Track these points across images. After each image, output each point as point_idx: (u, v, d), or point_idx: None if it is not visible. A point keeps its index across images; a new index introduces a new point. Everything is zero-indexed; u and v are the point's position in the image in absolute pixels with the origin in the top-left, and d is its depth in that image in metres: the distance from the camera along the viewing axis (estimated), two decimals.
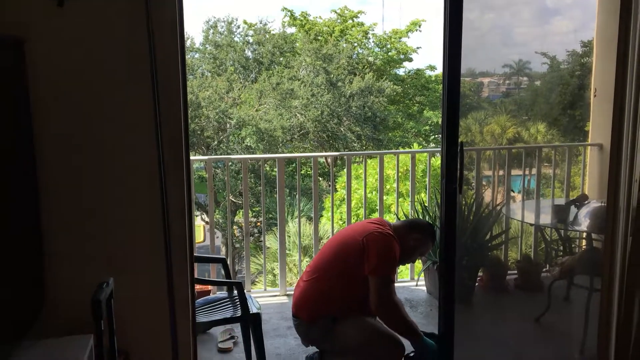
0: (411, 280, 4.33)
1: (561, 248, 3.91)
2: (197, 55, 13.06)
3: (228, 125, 11.83)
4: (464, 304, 3.76)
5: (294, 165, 11.32)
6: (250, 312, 2.88)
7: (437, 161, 5.56)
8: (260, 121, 11.45)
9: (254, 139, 11.37)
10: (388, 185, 8.96)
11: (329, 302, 2.73)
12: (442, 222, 2.75)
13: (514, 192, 4.18)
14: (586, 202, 3.27)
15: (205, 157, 4.61)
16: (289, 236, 7.16)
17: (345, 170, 9.89)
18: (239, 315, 2.89)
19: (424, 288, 4.12)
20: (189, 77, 12.45)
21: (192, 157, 3.99)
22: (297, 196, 4.50)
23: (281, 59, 12.46)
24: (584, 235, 3.59)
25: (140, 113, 2.28)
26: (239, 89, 12.17)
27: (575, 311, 3.47)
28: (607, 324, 2.74)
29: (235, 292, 3.02)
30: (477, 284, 4.00)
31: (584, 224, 3.18)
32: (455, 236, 2.76)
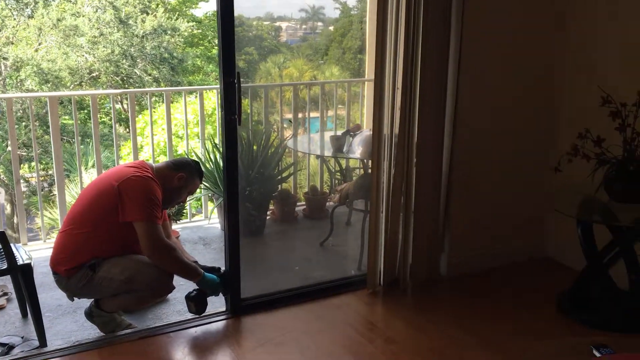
0: (205, 219, 4.33)
1: (340, 177, 4.21)
2: None
3: (3, 66, 10.42)
4: (255, 236, 3.89)
5: (86, 111, 10.44)
6: (19, 263, 2.63)
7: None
8: (42, 61, 10.27)
9: (36, 81, 10.18)
10: (189, 130, 8.76)
11: (85, 252, 2.60)
12: (224, 154, 2.76)
13: (290, 122, 4.35)
14: (359, 131, 3.53)
15: None
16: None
17: (144, 115, 9.46)
18: (5, 267, 2.62)
19: (218, 225, 4.15)
20: None
21: None
22: (76, 142, 4.16)
23: None
24: (362, 163, 3.89)
25: None
26: (13, 27, 10.71)
27: (353, 233, 3.79)
28: (375, 241, 3.04)
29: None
30: (268, 216, 4.14)
31: (357, 151, 3.43)
32: (238, 168, 2.80)
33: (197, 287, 2.77)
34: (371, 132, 3.00)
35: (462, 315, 2.85)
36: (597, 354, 1.68)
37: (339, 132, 3.81)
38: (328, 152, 3.88)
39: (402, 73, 2.85)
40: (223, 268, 2.88)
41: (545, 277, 3.31)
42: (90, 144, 7.72)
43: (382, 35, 2.81)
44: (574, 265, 3.16)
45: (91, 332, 2.75)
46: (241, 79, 2.64)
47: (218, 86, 2.70)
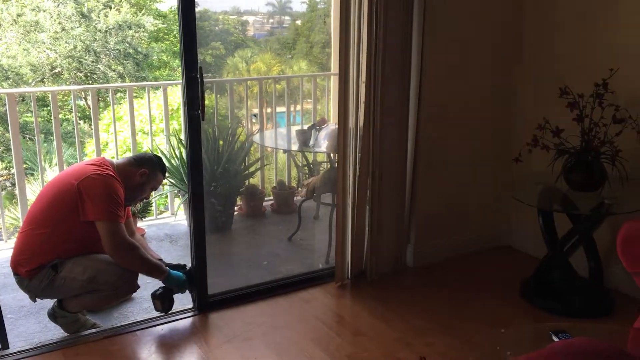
0: (171, 215, 4.28)
1: (307, 171, 4.21)
2: None
3: None
4: (222, 231, 3.87)
5: (49, 108, 10.23)
6: None
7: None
8: (2, 57, 10.00)
9: None
10: (155, 126, 8.66)
11: (46, 253, 2.55)
12: (188, 150, 2.73)
13: (254, 118, 4.33)
14: (325, 125, 3.54)
15: None
16: None
17: (107, 111, 9.29)
18: None
19: (185, 222, 4.11)
20: None
21: None
22: (36, 139, 4.07)
23: None
24: (328, 157, 3.89)
25: None
26: None
27: (321, 227, 3.80)
28: (343, 233, 3.06)
29: None
30: (236, 212, 4.12)
31: (323, 145, 3.44)
32: (202, 163, 2.77)
33: (162, 285, 2.74)
34: (337, 126, 3.01)
35: (428, 305, 2.89)
36: (556, 339, 1.72)
37: (306, 126, 3.82)
38: (295, 147, 3.88)
39: (365, 66, 2.86)
40: (189, 265, 2.86)
41: (507, 265, 3.38)
42: (54, 141, 7.57)
43: (345, 29, 2.81)
44: (535, 253, 3.24)
45: (55, 332, 2.70)
46: (209, 74, 2.61)
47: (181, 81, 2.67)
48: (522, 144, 2.83)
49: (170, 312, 2.79)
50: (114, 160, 2.79)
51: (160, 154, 4.07)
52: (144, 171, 2.76)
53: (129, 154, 4.17)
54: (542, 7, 3.22)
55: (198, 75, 2.60)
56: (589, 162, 2.70)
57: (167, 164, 3.33)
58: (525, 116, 3.32)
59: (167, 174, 3.19)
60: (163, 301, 2.73)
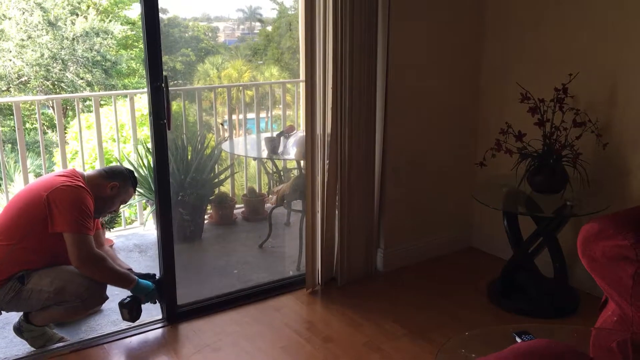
0: (140, 225, 4.24)
1: (278, 178, 4.21)
2: None
3: None
4: (192, 241, 3.85)
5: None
6: None
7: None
8: None
9: None
10: (125, 133, 8.58)
11: (14, 264, 2.51)
12: (154, 159, 2.71)
13: (223, 125, 4.32)
14: (293, 132, 3.55)
15: None
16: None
17: (75, 120, 9.14)
18: None
19: (154, 232, 4.06)
20: None
21: None
22: None
23: None
24: (297, 163, 3.90)
25: None
26: None
27: (292, 234, 3.81)
28: (312, 240, 3.07)
29: None
30: (206, 220, 4.10)
31: (292, 152, 3.45)
32: (169, 172, 2.75)
33: (131, 294, 2.72)
34: (305, 133, 3.02)
35: (398, 309, 2.92)
36: (519, 340, 1.75)
37: (275, 134, 3.82)
38: (264, 154, 3.88)
39: (332, 72, 2.88)
40: (159, 275, 2.84)
41: (475, 267, 3.43)
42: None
43: (311, 35, 2.83)
44: (502, 254, 3.29)
45: (20, 348, 2.65)
46: (179, 81, 2.60)
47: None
48: (486, 148, 2.88)
49: (138, 322, 2.75)
50: (85, 172, 2.76)
51: (127, 163, 4.04)
52: (114, 184, 2.74)
53: (98, 162, 4.12)
54: (503, 14, 3.29)
55: (163, 85, 2.58)
56: (551, 165, 2.76)
57: (135, 173, 3.29)
58: (489, 121, 3.38)
59: None
60: (130, 310, 2.70)
